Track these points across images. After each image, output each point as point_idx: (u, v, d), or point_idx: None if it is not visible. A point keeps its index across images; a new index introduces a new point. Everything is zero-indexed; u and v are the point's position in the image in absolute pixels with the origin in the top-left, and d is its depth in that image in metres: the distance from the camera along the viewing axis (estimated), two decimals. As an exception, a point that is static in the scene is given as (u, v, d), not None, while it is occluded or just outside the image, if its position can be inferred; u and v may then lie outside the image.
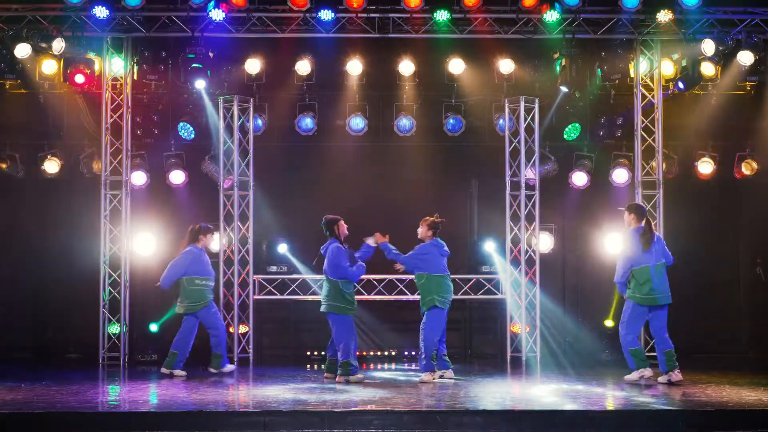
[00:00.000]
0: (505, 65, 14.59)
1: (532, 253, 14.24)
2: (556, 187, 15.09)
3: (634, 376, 11.32)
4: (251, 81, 14.82)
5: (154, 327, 14.44)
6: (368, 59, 14.65)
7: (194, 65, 13.81)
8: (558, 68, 14.21)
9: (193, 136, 14.82)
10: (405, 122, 14.92)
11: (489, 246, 14.58)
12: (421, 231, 11.73)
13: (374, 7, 13.82)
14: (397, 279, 13.95)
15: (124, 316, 14.16)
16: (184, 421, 8.75)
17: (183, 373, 12.21)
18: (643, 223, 11.29)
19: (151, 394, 10.55)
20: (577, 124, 14.98)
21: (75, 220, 14.93)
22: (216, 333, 12.48)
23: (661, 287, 11.20)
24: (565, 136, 15.01)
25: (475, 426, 8.67)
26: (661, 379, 11.18)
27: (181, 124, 14.75)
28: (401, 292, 14.23)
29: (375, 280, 14.10)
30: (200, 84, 14.02)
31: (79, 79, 13.75)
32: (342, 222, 11.55)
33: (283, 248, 14.51)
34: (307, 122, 14.89)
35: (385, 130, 15.17)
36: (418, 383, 11.25)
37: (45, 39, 13.50)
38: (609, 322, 14.81)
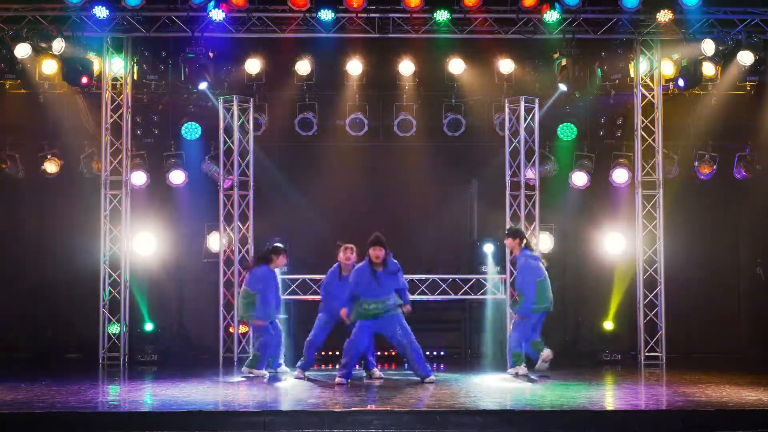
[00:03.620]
0: (505, 65, 14.59)
1: (532, 253, 14.24)
2: (556, 187, 15.10)
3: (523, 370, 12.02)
4: (251, 81, 14.82)
5: (149, 326, 14.41)
6: (368, 59, 14.65)
7: (195, 65, 13.84)
8: (558, 68, 14.20)
9: (198, 136, 14.83)
10: (405, 122, 14.91)
11: (487, 248, 14.58)
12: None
13: (374, 7, 13.81)
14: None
15: (124, 316, 14.14)
16: (184, 421, 8.75)
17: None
18: (523, 245, 12.11)
19: (151, 394, 10.55)
20: (572, 125, 15.01)
21: (75, 220, 14.93)
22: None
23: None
24: (560, 135, 15.03)
25: (475, 426, 8.67)
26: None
27: (187, 124, 14.77)
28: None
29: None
30: (203, 85, 14.03)
31: (83, 79, 13.74)
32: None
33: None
34: (307, 122, 14.90)
35: (385, 130, 15.17)
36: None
37: (45, 39, 13.49)
38: (609, 324, 14.82)
